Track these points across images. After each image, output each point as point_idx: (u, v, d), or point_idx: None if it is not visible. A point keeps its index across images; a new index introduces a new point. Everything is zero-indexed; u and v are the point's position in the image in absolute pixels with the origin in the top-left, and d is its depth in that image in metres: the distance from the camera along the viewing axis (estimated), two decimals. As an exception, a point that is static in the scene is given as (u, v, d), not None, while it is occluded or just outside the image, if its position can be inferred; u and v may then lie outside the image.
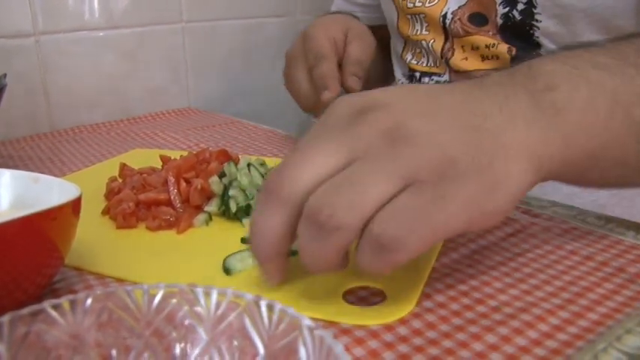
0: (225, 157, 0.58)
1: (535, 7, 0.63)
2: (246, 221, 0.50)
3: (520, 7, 0.64)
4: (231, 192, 0.51)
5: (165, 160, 0.59)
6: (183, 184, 0.52)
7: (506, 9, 0.65)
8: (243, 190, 0.51)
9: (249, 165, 0.54)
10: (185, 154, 0.60)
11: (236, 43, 1.10)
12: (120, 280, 0.42)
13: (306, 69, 0.67)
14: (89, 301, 0.27)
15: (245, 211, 0.50)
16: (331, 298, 0.39)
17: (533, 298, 0.39)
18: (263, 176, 0.53)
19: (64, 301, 0.26)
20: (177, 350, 0.27)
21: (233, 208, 0.50)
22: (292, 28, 1.17)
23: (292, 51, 0.71)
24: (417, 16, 0.73)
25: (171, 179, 0.52)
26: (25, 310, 0.26)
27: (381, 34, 0.88)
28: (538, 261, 0.44)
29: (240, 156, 0.60)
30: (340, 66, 0.66)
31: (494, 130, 0.35)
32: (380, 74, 0.89)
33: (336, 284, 0.40)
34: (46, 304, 0.26)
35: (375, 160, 0.33)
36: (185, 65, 1.04)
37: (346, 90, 0.64)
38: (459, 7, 0.69)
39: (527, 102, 0.37)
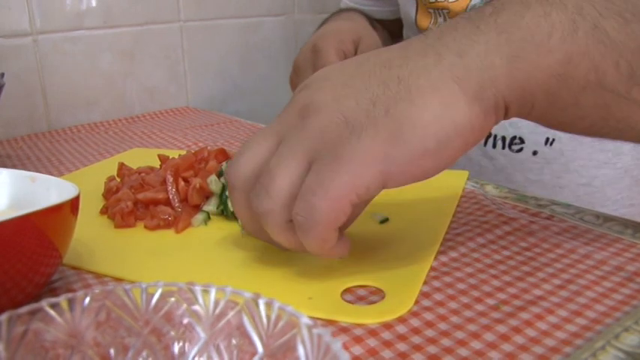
0: (224, 156, 0.58)
1: None
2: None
3: None
4: (227, 192, 0.51)
5: (163, 159, 0.59)
6: (182, 183, 0.52)
7: None
8: None
9: None
10: (183, 153, 0.60)
11: (234, 42, 1.10)
12: (118, 280, 0.42)
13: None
14: (87, 299, 0.27)
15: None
16: (329, 296, 0.39)
17: (532, 297, 0.39)
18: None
19: (62, 299, 0.26)
20: (176, 349, 0.27)
21: (231, 207, 0.50)
22: (290, 27, 1.17)
23: (300, 61, 0.68)
24: (439, 11, 0.71)
25: (170, 178, 0.52)
26: (23, 309, 0.25)
27: (391, 27, 0.86)
28: (536, 259, 0.44)
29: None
30: None
31: (407, 76, 0.34)
32: None
33: (334, 283, 0.40)
34: (44, 303, 0.26)
35: (288, 141, 0.35)
36: (183, 64, 1.04)
37: None
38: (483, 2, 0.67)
39: (466, 31, 0.35)
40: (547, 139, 0.69)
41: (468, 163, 0.74)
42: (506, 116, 0.36)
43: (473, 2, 0.68)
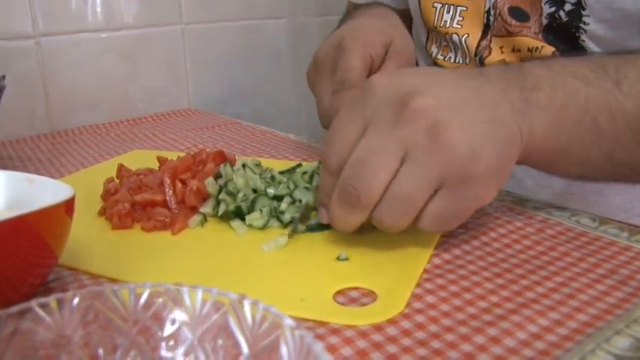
0: (222, 158, 0.58)
1: (584, 9, 0.61)
2: (234, 224, 0.50)
3: (567, 7, 0.61)
4: (221, 196, 0.51)
5: (162, 161, 0.59)
6: (179, 185, 0.52)
7: (553, 9, 0.63)
8: (235, 193, 0.51)
9: (244, 165, 0.54)
10: (183, 155, 0.60)
11: (236, 45, 1.10)
12: (114, 280, 0.43)
13: (331, 84, 0.61)
14: (76, 300, 0.27)
15: (235, 213, 0.50)
16: (321, 298, 0.39)
17: (524, 299, 0.39)
18: (260, 176, 0.53)
19: (52, 299, 0.27)
20: (164, 349, 0.27)
21: (220, 210, 0.50)
22: (292, 30, 1.17)
23: (322, 56, 0.63)
24: (449, 6, 0.70)
25: (167, 180, 0.52)
26: (13, 309, 0.26)
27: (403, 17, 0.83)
28: (530, 262, 0.44)
29: (237, 157, 0.60)
30: None
31: (505, 116, 0.43)
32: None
33: (326, 285, 0.40)
34: (34, 303, 0.26)
35: (418, 163, 0.40)
36: (185, 66, 1.05)
37: None
38: None
39: (519, 97, 0.44)
40: None
41: None
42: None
43: (489, 4, 0.67)
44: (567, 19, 0.62)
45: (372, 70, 0.60)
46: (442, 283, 0.41)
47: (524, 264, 0.44)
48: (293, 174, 0.56)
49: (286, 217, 0.50)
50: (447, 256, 0.45)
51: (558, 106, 0.45)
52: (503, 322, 0.36)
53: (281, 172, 0.56)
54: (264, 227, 0.49)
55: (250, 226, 0.50)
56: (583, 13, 0.61)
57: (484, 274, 0.42)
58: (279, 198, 0.51)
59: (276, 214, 0.50)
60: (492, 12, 0.67)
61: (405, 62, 0.62)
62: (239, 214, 0.50)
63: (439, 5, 0.71)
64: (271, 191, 0.51)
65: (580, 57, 0.49)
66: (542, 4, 0.63)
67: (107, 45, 0.95)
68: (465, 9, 0.69)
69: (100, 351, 0.27)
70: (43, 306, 0.26)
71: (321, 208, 0.47)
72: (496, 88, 0.45)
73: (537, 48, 0.64)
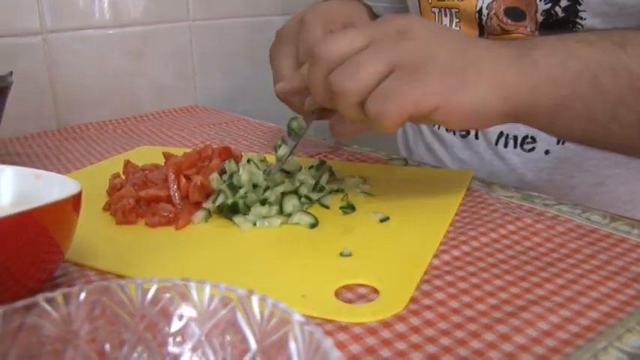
0: (228, 154, 0.58)
1: (580, 4, 0.61)
2: (238, 219, 0.50)
3: (563, 3, 0.62)
4: (222, 187, 0.51)
5: (168, 157, 0.59)
6: (184, 180, 0.52)
7: (548, 5, 0.63)
8: (237, 187, 0.51)
9: (249, 160, 0.54)
10: (189, 151, 0.60)
11: (243, 41, 1.10)
12: (120, 276, 0.42)
13: (293, 58, 0.64)
14: (83, 294, 0.27)
15: (230, 208, 0.50)
16: (323, 294, 0.39)
17: (534, 296, 0.38)
18: (265, 172, 0.53)
19: (58, 294, 0.26)
20: (171, 344, 0.27)
21: (218, 202, 0.50)
22: (299, 27, 1.17)
23: (285, 30, 0.67)
24: (445, 10, 0.71)
25: (172, 176, 0.52)
26: (19, 303, 0.26)
27: None
28: (540, 259, 0.43)
29: (243, 153, 0.60)
30: None
31: (478, 57, 0.46)
32: None
33: (328, 281, 0.40)
34: (40, 298, 0.26)
35: (379, 47, 0.45)
36: (192, 63, 1.05)
37: None
38: (494, 0, 0.67)
39: (513, 53, 0.47)
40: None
41: (481, 163, 0.73)
42: (513, 120, 0.49)
43: (480, 5, 0.68)
44: (563, 14, 0.63)
45: None
46: (451, 280, 0.41)
47: (534, 261, 0.43)
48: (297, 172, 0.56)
49: (289, 209, 0.50)
50: (455, 252, 0.44)
51: (555, 62, 0.47)
52: (513, 319, 0.36)
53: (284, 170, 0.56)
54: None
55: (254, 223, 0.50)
56: (579, 8, 0.62)
57: (493, 271, 0.42)
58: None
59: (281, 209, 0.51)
60: (485, 12, 0.68)
61: None
62: (235, 210, 0.50)
63: (437, 10, 0.72)
64: (280, 189, 0.51)
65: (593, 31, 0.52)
66: (538, 0, 0.64)
67: (114, 41, 0.95)
68: (457, 11, 0.71)
69: (107, 346, 0.27)
70: (49, 301, 0.26)
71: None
72: (491, 45, 0.48)
73: None
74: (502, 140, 0.71)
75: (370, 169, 0.64)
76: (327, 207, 0.52)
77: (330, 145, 0.74)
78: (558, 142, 0.68)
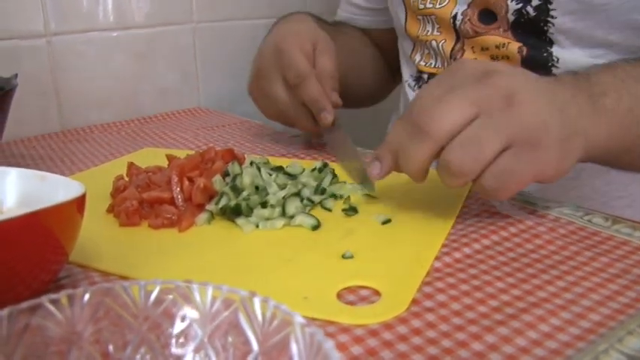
0: (231, 156, 0.58)
1: (551, 3, 0.62)
2: (240, 221, 0.50)
3: (535, 2, 0.63)
4: (224, 189, 0.51)
5: (172, 159, 0.59)
6: (187, 182, 0.52)
7: (519, 5, 0.64)
8: (240, 190, 0.51)
9: (252, 163, 0.55)
10: (193, 153, 0.60)
11: (246, 44, 1.10)
12: (124, 278, 0.43)
13: (283, 85, 0.68)
14: (87, 296, 0.27)
15: (233, 211, 0.50)
16: (325, 296, 0.39)
17: (536, 299, 0.38)
18: (270, 175, 0.54)
19: (63, 296, 0.27)
20: (174, 346, 0.27)
21: (221, 203, 0.51)
22: (302, 29, 1.17)
23: (264, 64, 0.70)
24: (428, 17, 0.73)
25: (175, 178, 0.52)
26: (24, 305, 0.26)
27: (382, 37, 0.89)
28: (542, 261, 0.43)
29: (246, 156, 0.60)
30: None
31: (571, 114, 0.47)
32: (374, 82, 0.91)
33: (330, 283, 0.40)
34: (45, 299, 0.26)
35: (492, 119, 0.44)
36: (195, 65, 1.05)
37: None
38: (468, 6, 0.69)
39: (587, 101, 0.49)
40: None
41: None
42: (582, 162, 0.51)
43: (456, 10, 0.70)
44: (535, 14, 0.64)
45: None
46: (453, 282, 0.41)
47: (536, 263, 0.43)
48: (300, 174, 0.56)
49: (291, 211, 0.50)
50: (457, 254, 0.45)
51: (623, 109, 0.50)
52: (514, 321, 0.36)
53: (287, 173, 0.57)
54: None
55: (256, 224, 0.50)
56: (550, 7, 0.63)
57: (495, 273, 0.42)
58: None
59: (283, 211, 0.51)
60: (460, 18, 0.70)
61: (334, 55, 0.69)
62: (238, 212, 0.50)
63: (421, 17, 0.74)
64: (282, 193, 0.52)
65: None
66: (509, 1, 0.65)
67: (118, 44, 0.95)
68: (435, 17, 0.72)
69: (111, 347, 0.27)
70: (54, 302, 0.26)
71: (375, 162, 0.49)
72: (567, 91, 0.49)
73: (504, 44, 0.67)
74: None
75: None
76: (329, 210, 0.53)
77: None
78: None
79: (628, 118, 0.50)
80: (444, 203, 0.54)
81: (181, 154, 0.62)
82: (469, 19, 0.69)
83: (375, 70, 0.92)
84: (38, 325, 0.26)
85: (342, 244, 0.46)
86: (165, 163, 0.60)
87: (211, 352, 0.26)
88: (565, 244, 0.46)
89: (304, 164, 0.61)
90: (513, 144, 0.44)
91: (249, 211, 0.50)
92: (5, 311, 0.25)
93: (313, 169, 0.58)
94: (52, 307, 0.26)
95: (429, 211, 0.52)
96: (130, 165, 0.60)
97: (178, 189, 0.52)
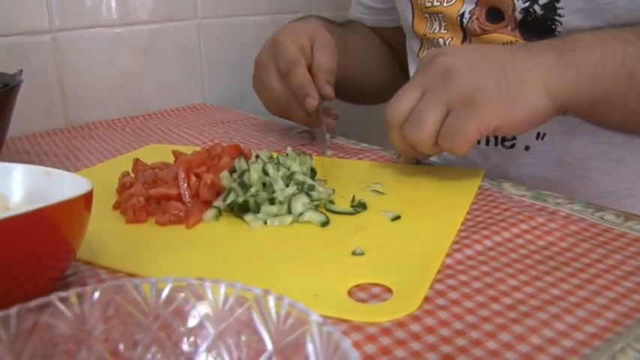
0: (238, 152, 0.58)
1: (558, 2, 0.62)
2: (248, 217, 0.49)
3: (542, 1, 0.63)
4: (232, 185, 0.51)
5: (177, 155, 0.59)
6: (194, 178, 0.52)
7: (527, 4, 0.64)
8: (248, 187, 0.51)
9: (257, 156, 0.54)
10: (199, 149, 0.60)
11: (251, 40, 1.09)
12: (131, 275, 0.42)
13: (278, 74, 0.71)
14: (97, 294, 0.26)
15: (242, 207, 0.50)
16: (336, 294, 0.38)
17: (549, 296, 0.38)
18: (278, 170, 0.53)
19: (72, 294, 0.26)
20: (185, 344, 0.27)
21: (229, 200, 0.50)
22: (307, 25, 1.16)
23: (261, 57, 0.74)
24: (435, 15, 0.73)
25: (182, 174, 0.52)
26: (33, 303, 0.25)
27: (391, 36, 0.89)
28: (554, 259, 0.43)
29: (252, 151, 0.60)
30: (310, 72, 0.69)
31: (519, 71, 0.52)
32: (383, 80, 0.91)
33: (341, 280, 0.40)
34: (54, 297, 0.26)
35: (431, 93, 0.53)
36: (200, 61, 1.04)
37: (321, 97, 0.68)
38: (476, 5, 0.68)
39: (554, 55, 0.53)
40: (538, 133, 0.69)
41: (464, 162, 0.74)
42: (562, 114, 0.55)
43: (464, 8, 0.69)
44: (542, 12, 0.63)
45: (306, 60, 0.70)
46: (465, 280, 0.40)
47: (548, 260, 0.43)
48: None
49: (298, 209, 0.50)
50: (468, 251, 0.44)
51: (593, 61, 0.53)
52: (528, 319, 0.35)
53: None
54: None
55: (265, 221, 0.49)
56: (557, 5, 0.62)
57: (508, 270, 0.41)
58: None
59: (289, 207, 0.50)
60: (467, 16, 0.69)
61: (334, 54, 0.72)
62: (246, 209, 0.50)
63: (428, 15, 0.74)
64: (290, 190, 0.51)
65: (630, 27, 0.57)
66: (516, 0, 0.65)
67: (122, 40, 0.95)
68: (443, 16, 0.72)
69: (121, 346, 0.27)
70: (63, 300, 0.26)
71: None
72: (530, 52, 0.54)
73: (511, 42, 0.66)
74: (483, 139, 0.72)
75: (381, 168, 0.63)
76: (316, 199, 0.52)
77: (340, 144, 0.73)
78: (537, 138, 0.69)
79: (597, 69, 0.53)
80: (453, 199, 0.53)
81: (187, 150, 0.61)
82: (476, 18, 0.69)
83: (385, 67, 0.92)
84: (47, 324, 0.26)
85: (352, 240, 0.45)
86: (170, 160, 0.60)
87: (224, 351, 0.26)
88: (577, 241, 0.45)
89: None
90: (452, 107, 0.52)
91: (257, 207, 0.50)
92: (14, 309, 0.25)
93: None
94: (61, 305, 0.26)
95: (439, 208, 0.52)
96: (136, 161, 0.59)
97: (185, 185, 0.51)
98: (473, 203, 0.53)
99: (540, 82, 0.52)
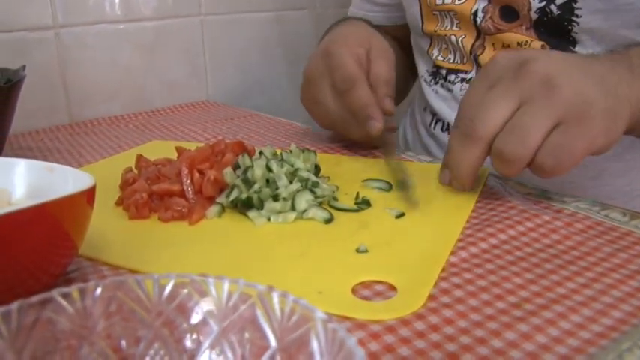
0: (241, 148, 0.57)
1: (575, 2, 0.61)
2: (252, 214, 0.49)
3: (559, 1, 0.62)
4: (236, 181, 0.51)
5: (181, 151, 0.59)
6: (197, 175, 0.52)
7: (543, 3, 0.63)
8: (252, 182, 0.51)
9: (260, 153, 0.54)
10: (202, 145, 0.59)
11: (255, 36, 1.09)
12: (134, 271, 0.42)
13: (331, 88, 0.64)
14: (99, 290, 0.26)
15: (245, 203, 0.50)
16: (340, 291, 0.38)
17: (555, 295, 0.38)
18: (282, 167, 0.53)
19: (74, 289, 0.26)
20: (188, 341, 0.26)
21: (232, 196, 0.50)
22: (312, 21, 1.16)
23: (312, 69, 0.66)
24: (446, 13, 0.72)
25: (185, 170, 0.51)
26: (35, 298, 0.25)
27: (400, 33, 0.88)
28: (560, 257, 0.43)
29: (256, 148, 0.60)
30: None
31: (615, 87, 0.48)
32: (399, 79, 0.89)
33: (345, 278, 0.39)
34: (55, 293, 0.25)
35: (535, 105, 0.46)
36: (203, 58, 1.04)
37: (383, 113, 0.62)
38: (489, 2, 0.67)
39: (626, 70, 0.50)
40: None
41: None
42: (628, 133, 0.52)
43: (477, 6, 0.68)
44: (559, 12, 0.62)
45: (364, 73, 0.62)
46: (470, 277, 0.40)
47: (554, 259, 0.42)
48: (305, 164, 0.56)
49: (302, 206, 0.49)
50: (473, 249, 0.44)
51: None
52: (533, 317, 0.35)
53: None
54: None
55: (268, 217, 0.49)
56: (575, 6, 0.61)
57: (513, 269, 0.41)
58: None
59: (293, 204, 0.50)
60: (480, 15, 0.68)
61: (391, 63, 0.65)
62: (249, 205, 0.49)
63: (437, 13, 0.73)
64: (293, 187, 0.51)
65: None
66: None
67: (126, 36, 0.94)
68: (454, 14, 0.71)
69: (123, 342, 0.26)
70: (65, 296, 0.26)
71: (444, 170, 0.53)
72: (604, 64, 0.50)
73: (526, 42, 0.65)
74: None
75: (384, 166, 0.63)
76: (319, 197, 0.51)
77: (344, 141, 0.73)
78: None
79: None
80: (458, 197, 0.53)
81: (190, 146, 0.61)
82: (490, 16, 0.67)
83: (401, 65, 0.90)
84: (49, 319, 0.25)
85: (356, 238, 0.45)
86: (173, 156, 0.59)
87: (227, 347, 0.26)
88: (583, 240, 0.45)
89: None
90: (561, 122, 0.46)
91: (261, 204, 0.49)
92: (15, 305, 0.25)
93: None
94: (63, 301, 0.26)
95: (443, 205, 0.51)
96: (139, 157, 0.59)
97: (189, 181, 0.51)
98: (478, 201, 0.52)
99: (625, 97, 0.49)
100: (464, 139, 0.49)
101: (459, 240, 0.45)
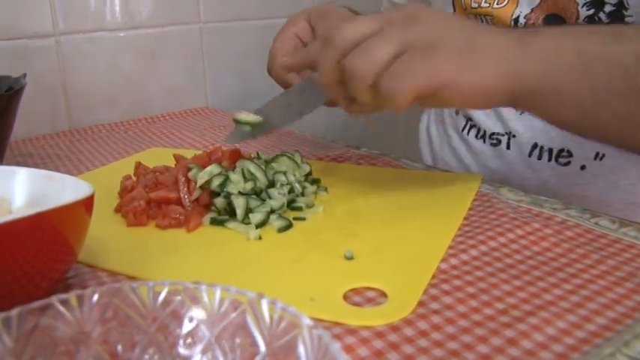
0: (238, 156, 0.58)
1: (626, 9, 0.58)
2: (231, 225, 0.50)
3: (608, 8, 0.59)
4: (216, 200, 0.52)
5: (179, 159, 0.60)
6: (193, 182, 0.52)
7: (591, 11, 0.60)
8: (233, 193, 0.51)
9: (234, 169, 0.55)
10: (201, 153, 0.60)
11: (253, 44, 1.10)
12: (132, 278, 0.43)
13: (309, 23, 0.68)
14: (96, 296, 0.27)
15: (229, 212, 0.51)
16: (331, 298, 0.39)
17: (542, 301, 0.38)
18: (263, 169, 0.54)
19: (72, 296, 0.27)
20: (182, 347, 0.27)
21: (220, 204, 0.51)
22: (310, 29, 1.17)
23: (285, 42, 0.71)
24: (483, 17, 0.69)
25: (182, 178, 0.52)
26: (34, 305, 0.26)
27: None
28: (549, 264, 0.43)
29: (253, 155, 0.60)
30: None
31: (485, 40, 0.48)
32: None
33: (337, 285, 0.40)
34: (54, 299, 0.26)
35: (389, 31, 0.47)
36: (203, 65, 1.05)
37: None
38: (532, 10, 0.65)
39: (514, 38, 0.48)
40: (597, 153, 0.66)
41: (511, 173, 0.72)
42: (512, 103, 0.50)
43: (518, 12, 0.66)
44: (608, 20, 0.60)
45: None
46: (459, 284, 0.41)
47: (542, 266, 0.43)
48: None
49: (275, 204, 0.51)
50: (464, 256, 0.45)
51: (550, 46, 0.48)
52: (520, 324, 0.36)
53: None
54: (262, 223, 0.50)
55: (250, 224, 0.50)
56: (625, 13, 0.59)
57: (501, 276, 0.42)
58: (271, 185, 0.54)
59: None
60: (522, 21, 0.66)
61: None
62: (232, 213, 0.51)
63: (473, 17, 0.71)
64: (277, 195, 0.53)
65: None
66: (579, 7, 0.61)
67: (125, 44, 0.96)
68: (491, 18, 0.69)
69: (119, 348, 0.27)
70: (63, 302, 0.27)
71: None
72: (494, 29, 0.50)
73: None
74: (536, 152, 0.70)
75: (379, 173, 0.64)
76: (299, 209, 0.53)
77: (339, 148, 0.74)
78: (595, 158, 0.67)
79: (553, 55, 0.48)
80: (451, 204, 0.54)
81: (189, 153, 0.62)
82: (533, 24, 0.65)
83: None
84: (47, 325, 0.26)
85: (347, 244, 0.46)
86: (172, 163, 0.60)
87: (219, 353, 0.27)
88: (572, 247, 0.46)
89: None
90: (408, 49, 0.46)
91: (247, 215, 0.50)
92: (15, 311, 0.26)
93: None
94: (61, 307, 0.27)
95: (435, 212, 0.52)
96: (138, 165, 0.60)
97: (185, 189, 0.52)
98: (470, 208, 0.53)
99: (500, 58, 0.47)
100: (325, 43, 0.49)
101: (450, 247, 0.46)
